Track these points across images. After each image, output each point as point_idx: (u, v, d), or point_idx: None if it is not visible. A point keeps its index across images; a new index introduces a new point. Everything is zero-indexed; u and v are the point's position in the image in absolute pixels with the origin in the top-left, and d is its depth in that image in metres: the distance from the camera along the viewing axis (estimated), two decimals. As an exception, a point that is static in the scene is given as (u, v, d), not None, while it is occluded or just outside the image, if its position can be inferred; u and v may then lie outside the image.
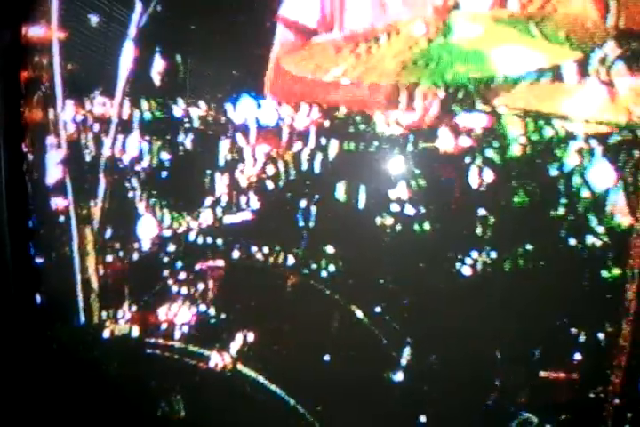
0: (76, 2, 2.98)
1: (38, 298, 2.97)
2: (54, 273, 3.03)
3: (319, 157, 2.99)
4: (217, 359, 2.81)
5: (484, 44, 3.06)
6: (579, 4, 3.67)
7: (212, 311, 3.01)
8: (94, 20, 3.03)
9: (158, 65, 3.18)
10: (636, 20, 3.60)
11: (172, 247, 3.09)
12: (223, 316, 3.00)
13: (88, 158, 3.01)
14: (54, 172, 2.94)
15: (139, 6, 2.76)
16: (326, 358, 2.93)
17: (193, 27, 3.18)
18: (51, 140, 2.87)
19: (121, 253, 3.10)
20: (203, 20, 3.50)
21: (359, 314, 2.98)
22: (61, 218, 2.98)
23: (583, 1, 3.66)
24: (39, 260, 3.04)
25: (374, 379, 2.95)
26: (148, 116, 3.01)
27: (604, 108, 3.04)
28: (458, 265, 3.03)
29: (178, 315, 2.98)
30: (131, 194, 3.06)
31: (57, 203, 3.01)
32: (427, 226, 3.02)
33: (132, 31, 2.76)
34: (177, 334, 2.95)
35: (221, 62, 3.59)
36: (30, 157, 2.98)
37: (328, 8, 3.90)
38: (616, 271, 2.99)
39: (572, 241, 3.03)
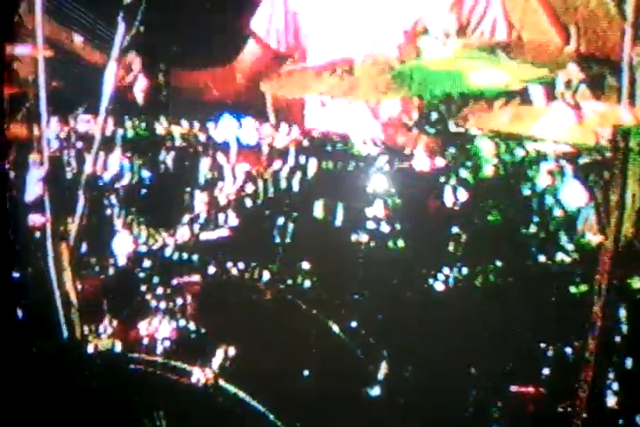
0: (61, 20, 3.01)
1: (20, 313, 2.97)
2: (32, 288, 3.03)
3: (298, 175, 3.04)
4: (199, 375, 2.83)
5: (455, 66, 3.15)
6: (542, 31, 3.79)
7: (190, 327, 3.03)
8: (79, 38, 3.06)
9: (141, 84, 3.22)
10: (596, 45, 3.72)
11: (148, 263, 3.11)
12: (202, 332, 3.02)
13: (69, 175, 3.03)
14: (34, 188, 2.94)
15: (122, 26, 2.78)
16: (305, 372, 2.97)
17: (175, 46, 3.23)
18: (33, 157, 2.87)
19: (97, 269, 3.11)
20: (185, 40, 3.55)
21: (335, 329, 3.02)
22: (38, 234, 2.97)
23: (546, 28, 3.77)
24: (16, 274, 3.05)
25: (352, 393, 2.99)
26: (130, 133, 3.03)
27: (573, 130, 3.13)
28: (431, 281, 3.09)
29: (158, 330, 2.99)
30: (109, 211, 3.08)
31: (34, 220, 3.01)
32: (401, 243, 3.08)
33: (116, 50, 2.78)
34: (158, 350, 2.96)
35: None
36: (12, 173, 2.99)
37: (292, 35, 3.97)
38: (584, 287, 3.09)
39: (542, 258, 3.11)
